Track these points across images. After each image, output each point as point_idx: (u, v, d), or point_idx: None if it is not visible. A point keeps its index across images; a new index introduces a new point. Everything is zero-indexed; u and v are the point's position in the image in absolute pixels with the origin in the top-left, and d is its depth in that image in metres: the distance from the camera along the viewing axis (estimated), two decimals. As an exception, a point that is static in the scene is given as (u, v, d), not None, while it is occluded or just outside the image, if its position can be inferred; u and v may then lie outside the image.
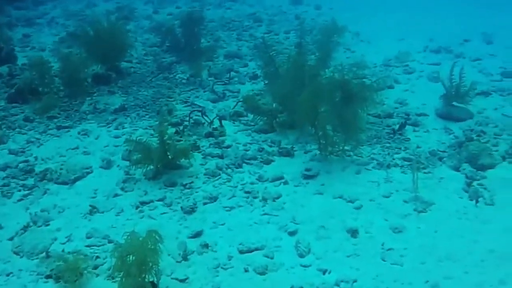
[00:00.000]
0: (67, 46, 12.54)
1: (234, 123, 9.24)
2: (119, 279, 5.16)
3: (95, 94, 10.28)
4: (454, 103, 9.35)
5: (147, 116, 9.49)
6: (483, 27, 14.20)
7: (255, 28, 14.63)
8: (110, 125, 9.21)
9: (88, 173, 7.81)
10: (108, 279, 5.68)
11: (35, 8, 17.09)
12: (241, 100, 9.77)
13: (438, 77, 10.51)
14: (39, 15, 16.28)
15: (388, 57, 12.19)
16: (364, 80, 8.30)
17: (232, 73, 11.29)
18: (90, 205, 6.95)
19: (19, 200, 7.18)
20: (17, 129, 9.13)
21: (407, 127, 8.95)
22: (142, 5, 17.35)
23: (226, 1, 17.58)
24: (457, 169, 7.72)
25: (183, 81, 11.03)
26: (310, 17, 15.53)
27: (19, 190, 7.36)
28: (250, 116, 9.32)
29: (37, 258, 6.02)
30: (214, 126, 8.87)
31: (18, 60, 11.93)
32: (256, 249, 6.09)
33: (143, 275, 5.15)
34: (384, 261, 5.90)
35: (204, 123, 9.02)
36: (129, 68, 11.63)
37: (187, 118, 9.15)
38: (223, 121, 9.06)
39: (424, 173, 7.62)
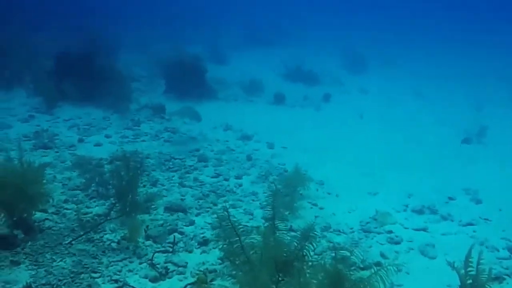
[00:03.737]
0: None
1: (183, 322, 6.81)
2: None
3: (-9, 266, 7.60)
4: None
5: (63, 304, 6.90)
6: (462, 181, 12.91)
7: (200, 169, 12.46)
8: (8, 319, 6.54)
9: None
10: None
11: None
12: (190, 283, 7.46)
13: (433, 253, 9.05)
14: None
15: (365, 218, 10.44)
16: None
17: (176, 235, 8.98)
18: None
19: None
20: None
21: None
22: (65, 129, 14.92)
23: (164, 131, 15.41)
24: None
25: (113, 245, 8.58)
26: (263, 158, 13.64)
27: None
28: (204, 309, 6.95)
29: None
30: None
31: None
32: None
33: None
34: None
35: (142, 324, 6.54)
36: (43, 222, 9.10)
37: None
38: (168, 319, 6.62)
39: None
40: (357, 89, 25.79)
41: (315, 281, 6.36)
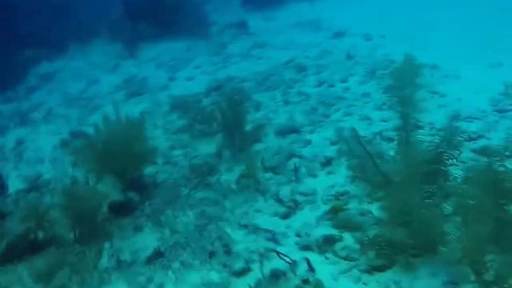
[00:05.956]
0: (71, 152, 9.50)
1: (327, 258, 6.06)
2: None
3: (115, 236, 7.18)
4: None
5: (197, 263, 6.36)
6: None
7: (301, 80, 11.44)
8: (147, 290, 6.10)
9: None
10: None
11: (28, 97, 14.23)
12: (326, 212, 6.70)
13: None
14: (33, 106, 13.35)
15: (494, 95, 8.98)
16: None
17: (296, 161, 8.17)
18: None
19: None
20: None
21: None
22: (153, 69, 14.33)
23: (252, 48, 14.41)
24: None
25: (232, 185, 7.93)
26: (364, 53, 12.33)
27: None
28: (347, 237, 6.18)
29: None
30: (304, 278, 5.70)
31: (8, 188, 8.99)
32: None
33: None
34: None
35: (285, 273, 5.86)
36: (155, 175, 8.58)
37: (257, 263, 6.06)
38: (311, 259, 5.92)
39: None
40: None
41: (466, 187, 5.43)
